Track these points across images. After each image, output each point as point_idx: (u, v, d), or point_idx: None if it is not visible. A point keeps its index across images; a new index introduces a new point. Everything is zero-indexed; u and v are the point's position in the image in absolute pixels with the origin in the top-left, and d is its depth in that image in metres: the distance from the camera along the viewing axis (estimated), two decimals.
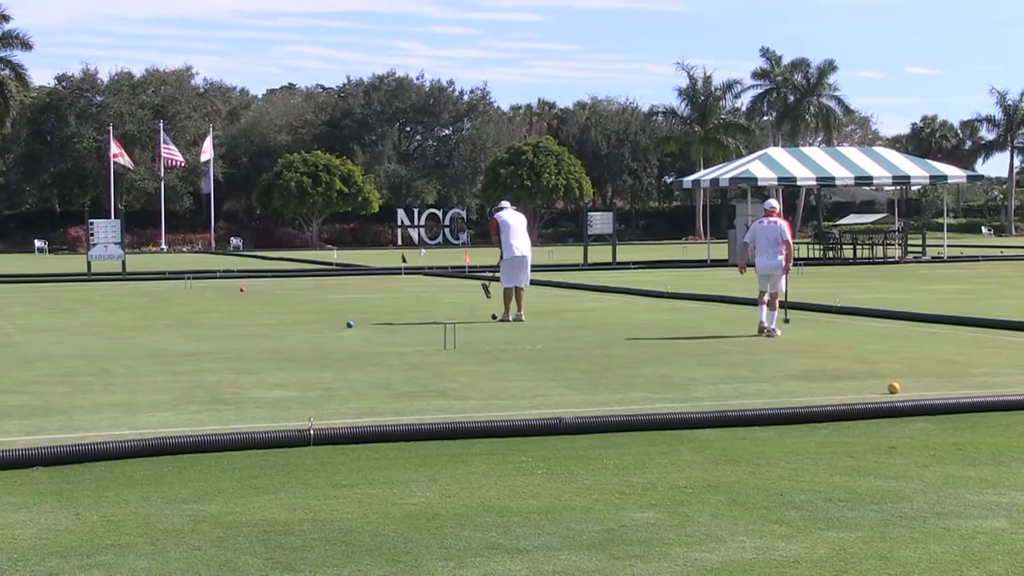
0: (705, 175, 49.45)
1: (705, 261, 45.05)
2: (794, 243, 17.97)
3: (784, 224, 17.99)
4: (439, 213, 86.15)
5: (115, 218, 45.85)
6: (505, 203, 21.76)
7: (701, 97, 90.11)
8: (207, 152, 77.18)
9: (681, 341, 16.83)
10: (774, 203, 18.46)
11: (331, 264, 46.06)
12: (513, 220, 20.80)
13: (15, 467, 8.39)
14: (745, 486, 7.73)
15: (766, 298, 17.62)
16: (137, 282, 36.01)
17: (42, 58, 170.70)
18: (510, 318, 20.12)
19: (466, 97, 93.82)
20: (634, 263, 42.91)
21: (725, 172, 47.04)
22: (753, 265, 18.24)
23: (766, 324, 17.39)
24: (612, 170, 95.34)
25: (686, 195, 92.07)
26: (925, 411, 10.35)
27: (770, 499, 7.35)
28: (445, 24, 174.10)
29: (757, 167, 45.07)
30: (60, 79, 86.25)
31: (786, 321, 18.83)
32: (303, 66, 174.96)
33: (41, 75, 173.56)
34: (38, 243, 75.04)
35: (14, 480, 8.09)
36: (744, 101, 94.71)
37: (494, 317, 20.37)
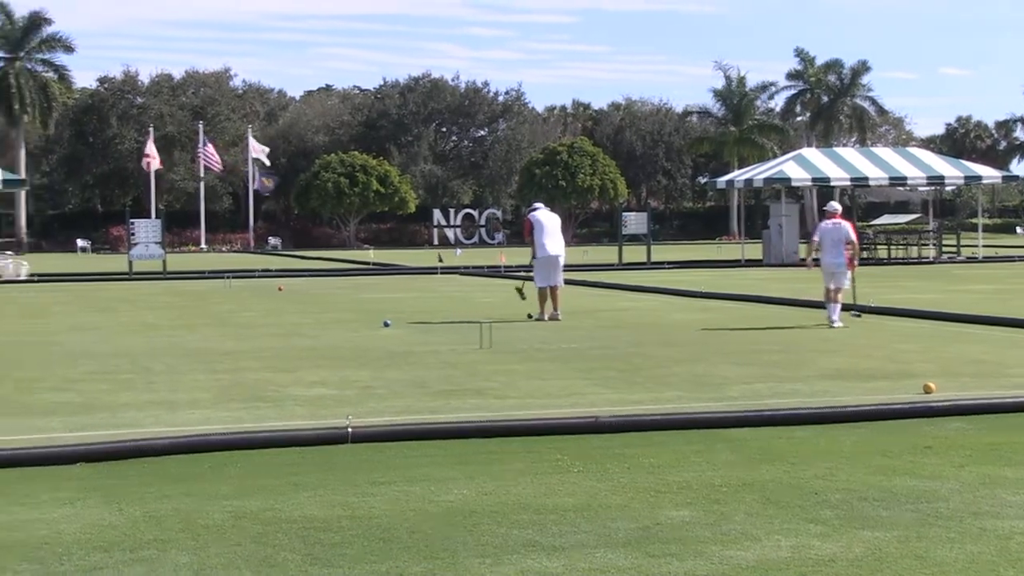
0: (739, 175, 49.29)
1: (739, 261, 44.88)
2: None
3: (848, 225, 19.29)
4: (475, 213, 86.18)
5: (156, 218, 46.12)
6: (539, 203, 21.78)
7: (736, 98, 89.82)
8: (259, 151, 77.18)
9: (716, 340, 16.77)
10: (837, 205, 19.75)
11: (368, 263, 46.14)
12: (547, 220, 20.79)
13: (60, 463, 8.46)
14: (780, 485, 7.70)
15: (839, 296, 18.70)
16: (177, 281, 36.19)
17: (84, 60, 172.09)
18: (545, 317, 20.10)
19: (501, 98, 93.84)
20: (668, 263, 42.80)
21: (759, 172, 46.87)
22: (818, 264, 19.28)
23: (833, 317, 18.50)
24: (646, 170, 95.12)
25: (720, 195, 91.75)
26: (961, 411, 10.29)
27: (805, 498, 7.33)
28: (479, 26, 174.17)
29: (791, 167, 44.88)
30: (102, 81, 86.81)
31: (857, 316, 19.68)
32: (340, 68, 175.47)
33: (83, 77, 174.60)
34: (80, 242, 75.50)
35: (59, 476, 8.15)
36: (778, 102, 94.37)
37: (530, 317, 20.36)
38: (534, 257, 20.61)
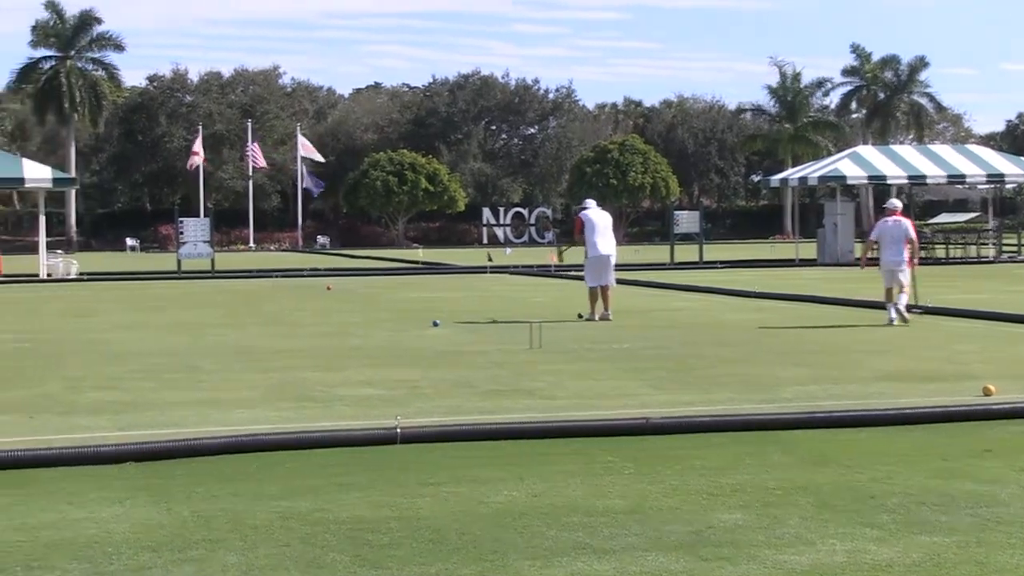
0: (793, 173, 49.01)
1: (793, 260, 44.64)
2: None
3: (908, 223, 19.14)
4: (525, 212, 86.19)
5: (204, 216, 46.45)
6: (590, 201, 21.72)
7: (790, 95, 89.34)
8: (311, 150, 77.36)
9: (769, 341, 16.68)
10: (897, 203, 19.63)
11: (417, 263, 46.26)
12: (598, 218, 20.74)
13: (109, 462, 8.52)
14: (835, 488, 7.64)
15: (900, 298, 18.62)
16: (225, 280, 36.42)
17: (133, 59, 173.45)
18: (596, 317, 20.06)
19: (551, 95, 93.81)
20: (721, 262, 42.62)
21: (814, 171, 46.59)
22: (876, 262, 19.34)
23: (899, 306, 18.47)
24: (699, 168, 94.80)
25: (774, 194, 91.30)
26: (1022, 414, 10.16)
27: (861, 502, 7.26)
28: (529, 23, 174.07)
29: (846, 165, 44.57)
30: (151, 79, 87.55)
31: (918, 311, 19.57)
32: (389, 65, 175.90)
33: (133, 76, 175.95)
34: (130, 241, 76.14)
35: (108, 475, 8.21)
36: (833, 99, 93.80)
37: (580, 316, 20.34)
38: (586, 256, 20.56)
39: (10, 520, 7.04)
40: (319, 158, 77.25)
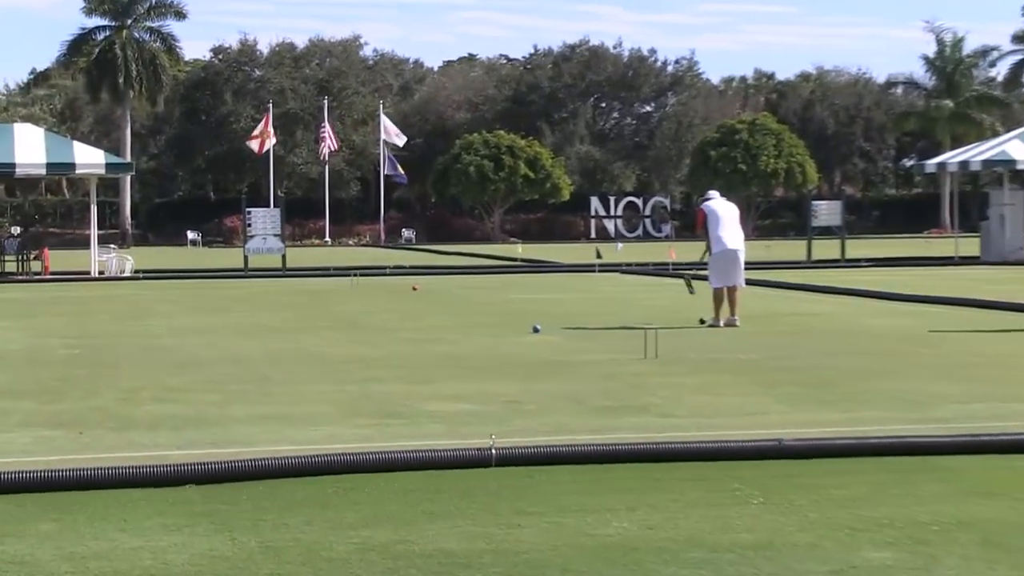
0: (952, 157, 48.36)
1: (952, 258, 44.07)
2: None
3: None
4: (639, 202, 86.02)
5: (275, 207, 46.97)
6: (713, 192, 21.70)
7: (949, 66, 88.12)
8: (393, 134, 77.73)
9: (922, 351, 16.49)
10: None
11: (515, 260, 46.36)
12: (722, 210, 20.67)
13: (167, 484, 8.63)
14: (1003, 524, 7.53)
15: None
16: (298, 279, 36.78)
17: (196, 28, 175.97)
18: (721, 323, 19.97)
19: (670, 68, 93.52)
20: (866, 260, 42.20)
21: (977, 154, 45.92)
22: None
23: None
24: (841, 152, 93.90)
25: (929, 181, 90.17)
26: None
27: None
28: None
29: (1016, 147, 43.89)
30: (216, 51, 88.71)
31: None
32: (484, 34, 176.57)
33: (195, 48, 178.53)
34: (190, 234, 77.17)
35: (166, 499, 8.32)
36: (1001, 70, 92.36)
37: (702, 322, 20.25)
38: (708, 252, 20.50)
39: (58, 548, 7.16)
40: (399, 141, 77.53)
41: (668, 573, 6.54)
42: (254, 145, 75.45)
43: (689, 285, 22.22)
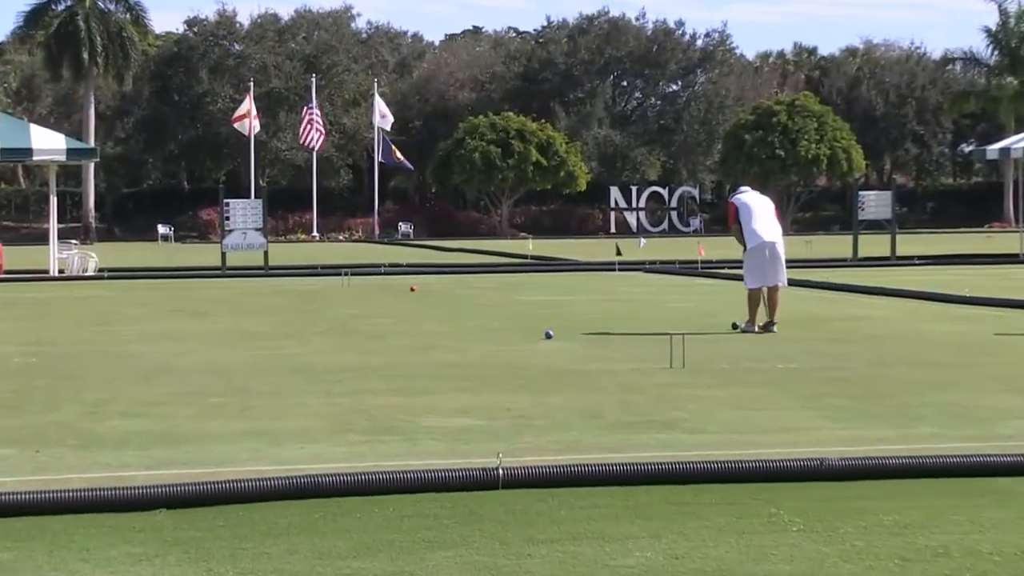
0: (1017, 142, 48.30)
1: (1017, 255, 44.04)
2: None
3: None
4: (664, 192, 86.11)
5: (256, 197, 47.05)
6: (745, 187, 21.76)
7: (1014, 39, 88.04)
8: (387, 117, 77.77)
9: (983, 360, 16.47)
10: None
11: (525, 257, 46.37)
12: (755, 202, 20.67)
13: (135, 509, 8.62)
14: None
15: None
16: (283, 278, 36.81)
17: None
18: (756, 328, 19.96)
19: (700, 42, 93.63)
20: (919, 257, 42.16)
21: None
22: None
23: None
24: (891, 136, 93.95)
25: (991, 169, 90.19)
26: None
27: None
28: None
29: None
30: (190, 24, 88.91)
31: None
32: (491, 5, 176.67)
33: (167, 20, 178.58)
34: (162, 229, 77.33)
35: (133, 525, 8.32)
36: None
37: (735, 327, 20.26)
38: (745, 249, 20.47)
39: None
40: (385, 123, 77.43)
41: None
42: (242, 127, 75.45)
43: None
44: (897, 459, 9.83)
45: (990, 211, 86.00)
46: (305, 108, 77.15)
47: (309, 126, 76.03)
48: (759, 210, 20.60)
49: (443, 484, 9.21)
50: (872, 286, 29.58)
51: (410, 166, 79.34)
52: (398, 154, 78.08)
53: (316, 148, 77.65)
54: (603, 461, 9.90)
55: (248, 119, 75.09)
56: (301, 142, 77.51)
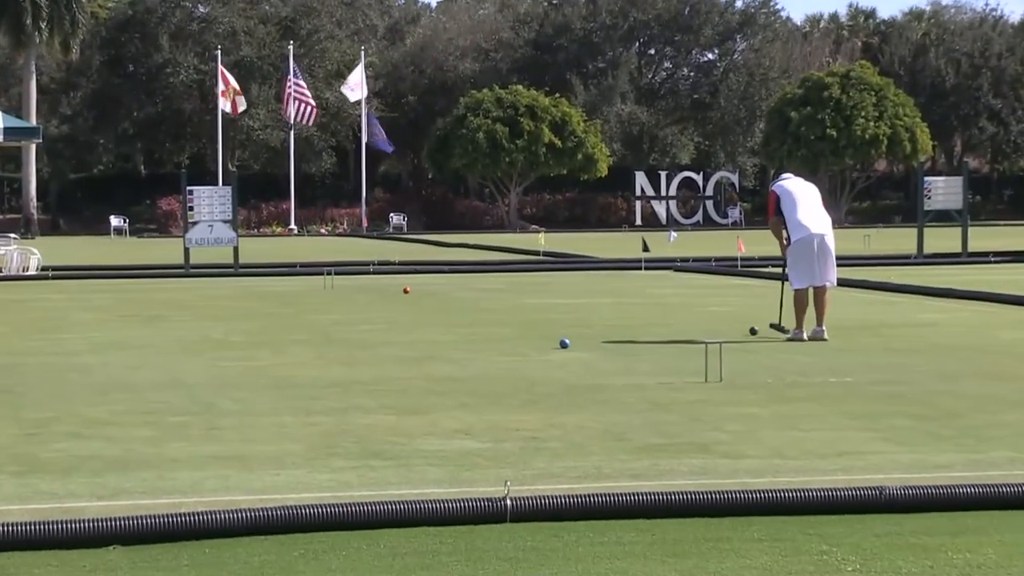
0: None
1: None
2: None
3: None
4: (698, 178, 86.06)
5: (224, 184, 47.03)
6: (788, 173, 21.69)
7: None
8: (357, 88, 77.79)
9: None
10: None
11: (537, 253, 46.34)
12: (799, 189, 20.58)
13: (85, 546, 8.63)
14: None
15: None
16: (256, 279, 36.81)
17: None
18: (804, 335, 19.93)
19: (739, 3, 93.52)
20: (995, 254, 42.11)
21: None
22: None
23: None
24: (962, 112, 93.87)
25: None
26: None
27: None
28: None
29: None
30: None
31: None
32: None
33: None
34: (115, 220, 77.36)
35: (82, 563, 8.34)
36: None
37: (780, 329, 20.21)
38: (788, 243, 20.43)
39: None
40: (352, 95, 77.13)
41: None
42: (226, 105, 75.40)
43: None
44: (968, 488, 9.82)
45: None
46: (287, 79, 76.99)
47: (297, 100, 75.76)
48: (804, 198, 20.53)
49: (442, 516, 9.22)
50: (939, 287, 29.55)
51: (388, 147, 79.20)
52: (380, 131, 78.04)
53: (309, 123, 77.55)
54: (627, 490, 9.91)
55: (229, 95, 75.12)
56: (291, 119, 77.00)
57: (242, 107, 76.56)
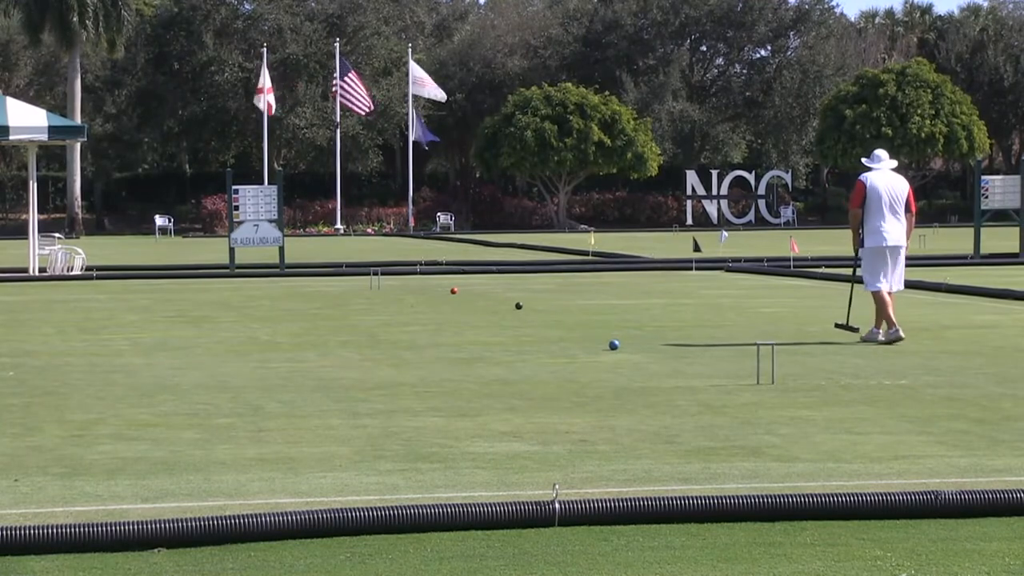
0: None
1: None
2: None
3: None
4: (750, 177, 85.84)
5: (270, 183, 47.13)
6: (881, 152, 20.91)
7: None
8: (429, 85, 77.48)
9: None
10: None
11: (586, 253, 46.30)
12: (885, 186, 20.16)
13: (131, 548, 8.66)
14: None
15: None
16: (301, 279, 36.86)
17: None
18: (881, 336, 19.71)
19: (793, 0, 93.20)
20: None
21: None
22: None
23: None
24: (1020, 110, 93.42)
25: None
26: None
27: None
28: None
29: None
30: None
31: None
32: None
33: None
34: (159, 220, 77.48)
35: (127, 567, 8.36)
36: None
37: (851, 330, 20.03)
38: (863, 245, 20.25)
39: None
40: (439, 95, 77.48)
41: None
42: (261, 103, 75.53)
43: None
44: None
45: None
46: (335, 81, 76.83)
47: (351, 94, 75.38)
48: (889, 202, 20.12)
49: (490, 520, 9.22)
50: (998, 288, 29.42)
51: (429, 138, 78.86)
52: (424, 128, 77.92)
53: (367, 111, 77.15)
54: (678, 494, 9.90)
55: (263, 94, 75.20)
56: (354, 108, 76.42)
57: (273, 107, 76.40)
